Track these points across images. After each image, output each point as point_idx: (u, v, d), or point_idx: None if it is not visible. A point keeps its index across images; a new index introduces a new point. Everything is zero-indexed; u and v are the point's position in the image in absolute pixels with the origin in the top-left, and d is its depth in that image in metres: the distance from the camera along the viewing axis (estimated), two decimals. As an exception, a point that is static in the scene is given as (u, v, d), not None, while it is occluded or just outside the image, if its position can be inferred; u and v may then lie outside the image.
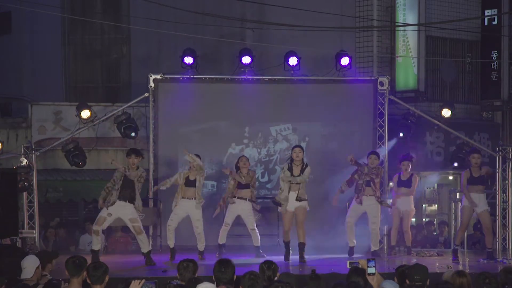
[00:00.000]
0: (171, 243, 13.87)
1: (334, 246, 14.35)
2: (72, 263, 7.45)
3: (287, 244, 13.74)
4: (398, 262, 12.59)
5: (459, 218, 16.18)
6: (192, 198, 13.84)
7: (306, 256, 13.39)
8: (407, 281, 7.21)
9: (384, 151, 16.13)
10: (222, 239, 14.33)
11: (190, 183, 13.81)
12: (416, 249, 15.51)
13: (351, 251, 14.30)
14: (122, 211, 13.00)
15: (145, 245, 13.19)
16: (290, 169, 13.40)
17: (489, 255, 13.89)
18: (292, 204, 13.45)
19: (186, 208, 13.89)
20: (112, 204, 12.95)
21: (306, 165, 13.50)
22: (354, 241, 14.33)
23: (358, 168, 14.31)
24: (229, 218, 14.34)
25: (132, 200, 13.00)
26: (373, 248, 14.31)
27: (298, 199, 13.38)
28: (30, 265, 8.56)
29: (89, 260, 8.15)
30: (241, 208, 14.21)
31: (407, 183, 14.94)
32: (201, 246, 14.08)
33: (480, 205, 13.91)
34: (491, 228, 14.29)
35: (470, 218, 14.53)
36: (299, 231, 13.48)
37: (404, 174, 14.96)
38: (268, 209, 15.33)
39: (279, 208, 13.65)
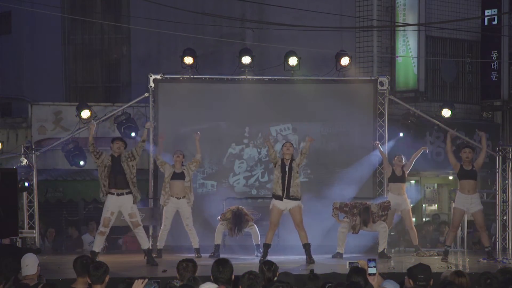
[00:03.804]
0: (160, 245, 14.26)
1: (335, 246, 14.33)
2: (81, 263, 7.62)
3: (267, 247, 13.41)
4: (405, 262, 12.63)
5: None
6: (181, 197, 14.06)
7: (304, 256, 13.35)
8: (410, 281, 7.19)
9: (384, 151, 16.12)
10: (218, 239, 14.36)
11: (176, 176, 14.11)
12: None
13: (337, 255, 14.06)
14: (123, 206, 12.99)
15: (144, 241, 13.20)
16: (283, 161, 13.30)
17: (489, 255, 13.86)
18: (284, 203, 13.34)
19: (175, 206, 14.19)
20: (106, 194, 12.94)
21: (294, 159, 13.35)
22: (343, 249, 14.15)
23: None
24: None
25: (127, 190, 12.94)
26: (381, 248, 14.15)
27: (291, 197, 13.27)
28: (31, 262, 8.60)
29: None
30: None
31: (402, 178, 14.87)
32: (195, 243, 14.19)
33: (473, 205, 13.76)
34: (484, 227, 14.24)
35: (461, 219, 14.50)
36: (301, 233, 13.34)
37: (397, 169, 14.85)
38: (267, 209, 15.31)
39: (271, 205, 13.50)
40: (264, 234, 13.83)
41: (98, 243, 13.18)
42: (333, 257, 13.97)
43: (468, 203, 13.74)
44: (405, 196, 14.91)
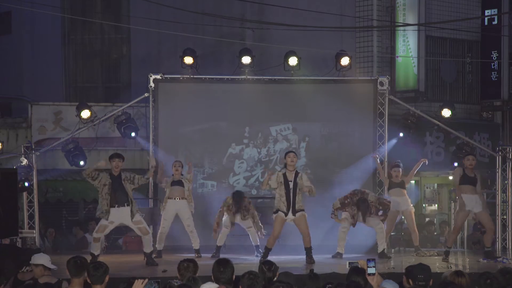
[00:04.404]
0: (160, 246, 14.29)
1: (334, 246, 14.33)
2: (74, 263, 7.48)
3: (267, 251, 13.31)
4: (405, 262, 12.64)
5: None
6: (180, 198, 14.08)
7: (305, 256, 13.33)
8: (410, 281, 7.18)
9: (384, 151, 16.13)
10: (221, 241, 14.34)
11: (175, 182, 14.14)
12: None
13: (337, 255, 14.06)
14: (124, 217, 12.93)
15: (149, 246, 13.18)
16: (284, 175, 13.19)
17: (489, 255, 13.85)
18: (289, 216, 13.21)
19: (174, 208, 14.18)
20: (107, 213, 12.86)
21: (298, 172, 13.26)
22: (343, 249, 14.13)
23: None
24: (227, 222, 14.38)
25: (127, 203, 12.86)
26: (380, 248, 14.11)
27: (297, 211, 13.13)
28: (46, 259, 8.66)
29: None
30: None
31: (401, 184, 14.89)
32: (196, 244, 14.19)
33: (477, 206, 13.79)
34: (493, 227, 14.26)
35: (464, 221, 14.49)
36: (306, 239, 13.24)
37: (395, 178, 14.90)
38: (267, 210, 15.30)
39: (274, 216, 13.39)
40: (264, 235, 13.83)
41: (95, 247, 13.17)
42: (333, 257, 13.96)
43: (474, 201, 13.76)
44: (406, 197, 14.92)
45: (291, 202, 13.11)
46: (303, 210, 13.22)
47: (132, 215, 12.86)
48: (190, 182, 14.39)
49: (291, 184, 13.09)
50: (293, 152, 13.59)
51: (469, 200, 13.75)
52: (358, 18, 18.91)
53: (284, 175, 13.14)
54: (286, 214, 13.16)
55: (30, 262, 8.80)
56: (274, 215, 13.30)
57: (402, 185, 14.89)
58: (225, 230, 14.33)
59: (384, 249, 14.09)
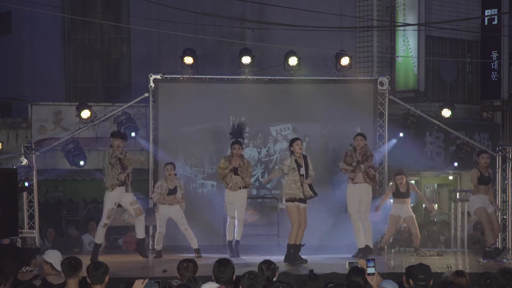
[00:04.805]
0: (158, 247, 14.30)
1: (335, 246, 14.31)
2: (68, 263, 7.46)
3: (293, 248, 13.05)
4: (405, 262, 12.65)
5: (459, 218, 16.23)
6: (172, 204, 14.17)
7: (305, 256, 13.23)
8: (411, 281, 7.19)
9: (384, 151, 16.13)
10: (230, 235, 14.22)
11: (170, 192, 14.20)
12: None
13: (359, 252, 13.80)
14: (123, 198, 13.26)
15: (141, 230, 13.43)
16: (296, 161, 13.13)
17: (489, 255, 13.86)
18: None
19: (167, 212, 14.27)
20: (113, 188, 13.13)
21: (305, 155, 13.26)
22: (363, 241, 13.92)
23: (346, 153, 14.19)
24: (231, 211, 14.33)
25: (124, 183, 13.21)
26: (367, 243, 13.94)
27: (309, 198, 13.09)
28: (56, 258, 8.68)
29: (89, 255, 8.22)
30: (239, 197, 14.22)
31: (406, 195, 14.90)
32: (194, 243, 14.18)
33: (489, 207, 14.00)
34: (500, 228, 14.35)
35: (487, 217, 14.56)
36: (300, 234, 13.09)
37: (401, 186, 14.89)
38: (267, 209, 15.30)
39: (285, 204, 13.18)
40: (264, 235, 13.80)
41: (101, 235, 13.33)
42: (353, 256, 13.69)
43: (487, 202, 14.00)
44: (407, 206, 14.96)
45: (304, 186, 13.04)
46: (308, 198, 13.14)
47: (126, 189, 13.15)
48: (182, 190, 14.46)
49: (302, 170, 13.04)
50: (300, 139, 13.51)
51: (482, 199, 13.98)
52: (358, 18, 18.92)
53: (296, 161, 13.09)
54: (304, 201, 13.05)
55: (43, 256, 8.82)
56: (287, 204, 13.06)
57: (407, 195, 14.91)
58: (230, 220, 14.19)
59: (369, 245, 13.89)
